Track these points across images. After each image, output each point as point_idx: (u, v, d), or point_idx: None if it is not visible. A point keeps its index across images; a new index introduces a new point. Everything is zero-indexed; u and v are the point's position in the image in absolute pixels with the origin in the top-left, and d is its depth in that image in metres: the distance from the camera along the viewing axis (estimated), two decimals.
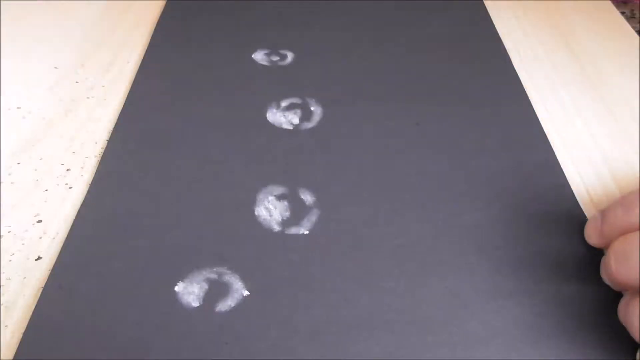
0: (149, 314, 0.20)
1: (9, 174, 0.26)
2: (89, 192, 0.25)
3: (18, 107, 0.30)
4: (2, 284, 0.21)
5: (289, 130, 0.28)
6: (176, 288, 0.21)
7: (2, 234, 0.23)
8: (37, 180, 0.26)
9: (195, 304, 0.20)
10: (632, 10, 0.41)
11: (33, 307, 0.20)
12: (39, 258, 0.22)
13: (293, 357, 0.19)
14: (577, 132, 0.28)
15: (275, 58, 0.33)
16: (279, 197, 0.24)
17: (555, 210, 0.24)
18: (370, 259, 0.22)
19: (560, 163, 0.26)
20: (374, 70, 0.32)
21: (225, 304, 0.20)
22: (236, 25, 0.36)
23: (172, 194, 0.25)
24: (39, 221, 0.24)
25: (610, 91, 0.31)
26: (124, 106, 0.29)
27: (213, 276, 0.21)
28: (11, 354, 0.19)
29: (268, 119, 0.29)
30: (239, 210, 0.24)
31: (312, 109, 0.29)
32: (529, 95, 0.30)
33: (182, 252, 0.22)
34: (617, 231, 0.19)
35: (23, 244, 0.23)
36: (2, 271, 0.22)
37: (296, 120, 0.28)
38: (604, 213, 0.21)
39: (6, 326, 0.20)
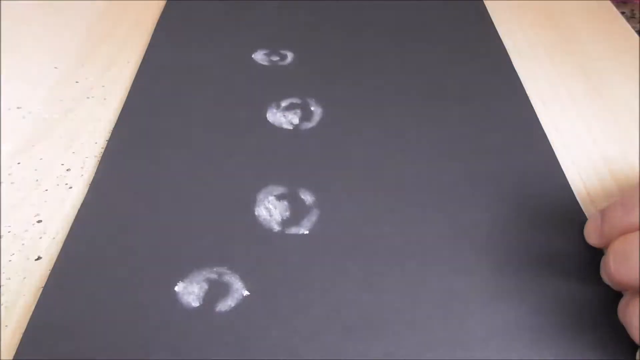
0: (149, 314, 0.20)
1: (9, 174, 0.26)
2: (89, 192, 0.25)
3: (18, 107, 0.30)
4: (2, 284, 0.21)
5: (289, 130, 0.28)
6: (176, 288, 0.21)
7: (2, 234, 0.23)
8: (37, 180, 0.26)
9: (195, 304, 0.20)
10: (632, 10, 0.41)
11: (33, 307, 0.20)
12: (39, 258, 0.22)
13: (293, 357, 0.19)
14: (577, 132, 0.28)
15: (275, 58, 0.33)
16: (279, 197, 0.24)
17: (555, 210, 0.24)
18: (370, 259, 0.22)
19: (560, 163, 0.26)
20: (374, 70, 0.32)
21: (225, 304, 0.20)
22: (236, 25, 0.36)
23: (172, 194, 0.25)
24: (39, 221, 0.24)
25: (610, 91, 0.31)
26: (124, 106, 0.29)
27: (213, 276, 0.21)
28: (11, 354, 0.19)
29: (268, 119, 0.29)
30: (239, 210, 0.24)
31: (312, 109, 0.29)
32: (528, 94, 0.30)
33: (182, 252, 0.22)
34: (617, 231, 0.19)
35: (23, 244, 0.23)
36: (2, 271, 0.22)
37: (296, 120, 0.28)
38: (604, 213, 0.21)
39: (6, 326, 0.20)
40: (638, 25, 0.38)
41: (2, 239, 0.23)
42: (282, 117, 0.29)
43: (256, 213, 0.24)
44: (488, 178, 0.25)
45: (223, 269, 0.22)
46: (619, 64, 0.33)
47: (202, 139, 0.27)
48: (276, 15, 0.37)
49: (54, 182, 0.26)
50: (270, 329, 0.20)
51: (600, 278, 0.20)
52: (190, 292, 0.21)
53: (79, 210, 0.24)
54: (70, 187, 0.25)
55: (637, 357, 0.18)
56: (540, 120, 0.28)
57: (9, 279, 0.22)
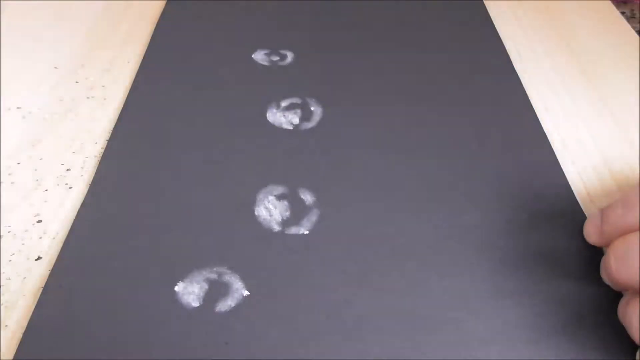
0: (149, 314, 0.20)
1: (9, 174, 0.26)
2: (89, 192, 0.25)
3: (18, 107, 0.30)
4: (2, 284, 0.21)
5: (289, 130, 0.28)
6: (176, 288, 0.21)
7: (2, 234, 0.23)
8: (37, 180, 0.26)
9: (195, 304, 0.20)
10: (632, 10, 0.41)
11: (33, 307, 0.20)
12: (39, 258, 0.22)
13: (293, 357, 0.19)
14: (577, 132, 0.28)
15: (275, 58, 0.33)
16: (279, 197, 0.24)
17: (556, 210, 0.24)
18: (370, 259, 0.22)
19: (560, 163, 0.26)
20: (374, 70, 0.32)
21: (225, 304, 0.20)
22: (236, 25, 0.36)
23: (172, 193, 0.25)
24: (39, 221, 0.24)
25: (610, 91, 0.31)
26: (124, 106, 0.29)
27: (213, 276, 0.21)
28: (11, 354, 0.19)
29: (268, 119, 0.29)
30: (239, 210, 0.24)
31: (312, 109, 0.29)
32: (529, 95, 0.30)
33: (182, 252, 0.22)
34: (617, 231, 0.19)
35: (23, 244, 0.23)
36: (2, 271, 0.22)
37: (296, 120, 0.28)
38: (604, 212, 0.21)
39: (6, 326, 0.20)
40: (638, 25, 0.38)
41: (2, 239, 0.23)
42: (282, 117, 0.29)
43: (256, 213, 0.24)
44: (488, 178, 0.25)
45: (223, 269, 0.22)
46: (619, 64, 0.33)
47: (202, 139, 0.27)
48: (276, 15, 0.37)
49: (54, 182, 0.26)
50: (270, 329, 0.20)
51: (600, 278, 0.20)
52: (190, 292, 0.21)
53: (79, 210, 0.24)
54: (70, 187, 0.25)
55: (637, 357, 0.18)
56: (540, 120, 0.28)
57: (9, 279, 0.22)
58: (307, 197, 0.24)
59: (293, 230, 0.23)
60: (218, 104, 0.29)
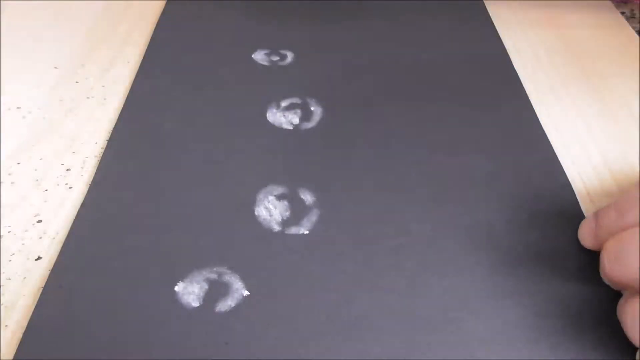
0: (149, 314, 0.20)
1: (9, 174, 0.26)
2: (89, 192, 0.25)
3: (18, 107, 0.30)
4: (2, 284, 0.21)
5: (289, 130, 0.28)
6: (176, 288, 0.21)
7: (2, 234, 0.23)
8: (37, 180, 0.26)
9: (195, 304, 0.20)
10: (632, 10, 0.41)
11: (33, 307, 0.20)
12: (39, 258, 0.22)
13: (293, 357, 0.19)
14: (577, 132, 0.28)
15: (275, 58, 0.33)
16: (279, 197, 0.24)
17: (556, 210, 0.24)
18: (370, 259, 0.22)
19: (561, 163, 0.26)
20: (374, 70, 0.32)
21: (225, 304, 0.20)
22: (236, 25, 0.36)
23: (172, 193, 0.25)
24: (39, 221, 0.24)
25: (610, 91, 0.31)
26: (124, 106, 0.29)
27: (213, 276, 0.21)
28: (11, 354, 0.19)
29: (268, 119, 0.29)
30: (239, 210, 0.24)
31: (312, 109, 0.29)
32: (529, 95, 0.30)
33: (182, 252, 0.22)
34: (611, 235, 0.19)
35: (23, 244, 0.23)
36: (2, 271, 0.22)
37: (296, 120, 0.28)
38: (598, 216, 0.21)
39: (6, 326, 0.20)
40: (638, 25, 0.38)
41: (2, 239, 0.23)
42: (282, 117, 0.29)
43: (256, 213, 0.24)
44: (488, 178, 0.25)
45: (223, 269, 0.22)
46: (619, 64, 0.33)
47: (201, 139, 0.27)
48: (276, 15, 0.37)
49: (54, 182, 0.26)
50: (270, 329, 0.20)
51: (600, 278, 0.20)
52: (190, 292, 0.21)
53: (79, 210, 0.24)
54: (70, 187, 0.25)
55: (637, 357, 0.18)
56: (540, 120, 0.28)
57: (9, 279, 0.22)
58: (307, 197, 0.24)
59: (293, 230, 0.23)
60: (218, 104, 0.29)
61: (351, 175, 0.25)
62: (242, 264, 0.22)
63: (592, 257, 0.21)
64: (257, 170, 0.26)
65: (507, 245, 0.22)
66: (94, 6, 0.38)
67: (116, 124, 0.28)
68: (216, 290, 0.21)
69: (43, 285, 0.21)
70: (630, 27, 0.36)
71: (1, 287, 0.21)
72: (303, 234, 0.23)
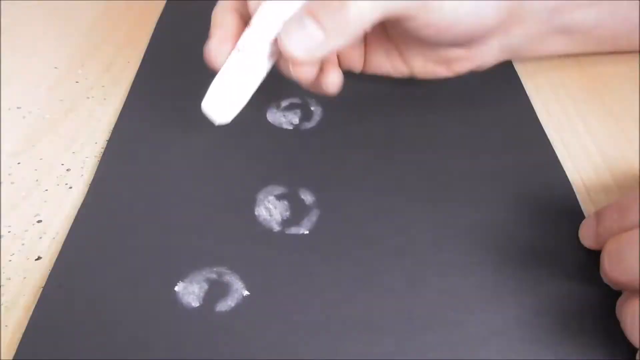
0: (149, 314, 0.20)
1: (9, 174, 0.26)
2: (89, 192, 0.25)
3: (18, 107, 0.30)
4: (2, 284, 0.21)
5: (289, 130, 0.28)
6: (176, 288, 0.21)
7: (2, 234, 0.23)
8: (37, 180, 0.26)
9: (195, 304, 0.20)
10: None
11: (33, 307, 0.20)
12: (39, 258, 0.22)
13: (293, 357, 0.19)
14: (577, 132, 0.28)
15: None
16: (279, 197, 0.24)
17: (556, 210, 0.24)
18: (370, 259, 0.22)
19: (561, 163, 0.26)
20: None
21: (225, 304, 0.20)
22: None
23: (172, 193, 0.25)
24: (39, 221, 0.24)
25: (610, 91, 0.31)
26: (124, 106, 0.29)
27: (213, 276, 0.21)
28: (11, 354, 0.19)
29: (268, 119, 0.29)
30: (239, 210, 0.24)
31: (312, 109, 0.29)
32: (529, 95, 0.30)
33: (182, 252, 0.22)
34: (612, 234, 0.19)
35: (23, 244, 0.23)
36: (2, 271, 0.22)
37: (296, 120, 0.28)
38: (599, 216, 0.21)
39: (6, 326, 0.20)
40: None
41: (2, 239, 0.23)
42: (282, 117, 0.29)
43: (256, 213, 0.24)
44: (489, 178, 0.25)
45: (223, 269, 0.22)
46: (619, 64, 0.33)
47: (201, 139, 0.27)
48: None
49: (54, 182, 0.26)
50: (270, 329, 0.20)
51: (600, 277, 0.20)
52: (190, 292, 0.21)
53: (79, 210, 0.24)
54: (70, 187, 0.25)
55: (638, 357, 0.18)
56: (540, 120, 0.28)
57: (9, 279, 0.22)
58: (307, 197, 0.24)
59: (293, 230, 0.23)
60: None
61: (351, 175, 0.25)
62: (242, 264, 0.22)
63: (592, 257, 0.21)
64: (257, 170, 0.26)
65: (507, 245, 0.22)
66: (94, 6, 0.38)
67: (116, 124, 0.28)
68: (216, 290, 0.21)
69: (43, 285, 0.21)
70: None
71: (1, 287, 0.21)
72: (303, 234, 0.23)
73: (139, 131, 0.28)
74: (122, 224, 0.23)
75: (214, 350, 0.19)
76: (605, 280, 0.20)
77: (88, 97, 0.31)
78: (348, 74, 0.31)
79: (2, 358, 0.19)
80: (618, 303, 0.19)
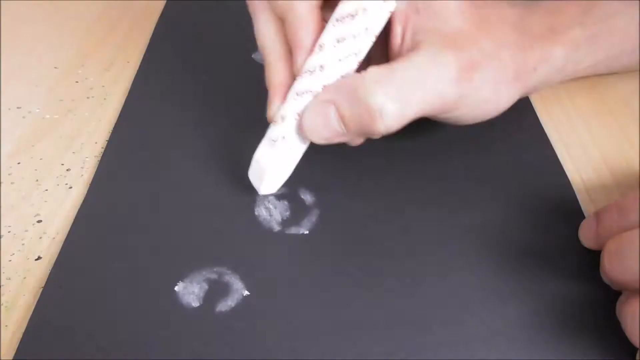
0: (149, 314, 0.20)
1: (9, 174, 0.26)
2: (89, 192, 0.25)
3: (18, 107, 0.30)
4: (2, 284, 0.21)
5: None
6: (176, 288, 0.21)
7: (2, 234, 0.23)
8: (37, 180, 0.26)
9: (195, 304, 0.20)
10: None
11: (33, 307, 0.20)
12: (39, 258, 0.22)
13: (293, 357, 0.19)
14: (577, 132, 0.28)
15: None
16: (279, 197, 0.24)
17: (556, 210, 0.24)
18: (370, 259, 0.22)
19: (561, 163, 0.26)
20: None
21: (225, 304, 0.20)
22: (236, 25, 0.36)
23: (172, 193, 0.25)
24: (39, 221, 0.24)
25: (610, 91, 0.31)
26: (124, 106, 0.29)
27: (213, 276, 0.21)
28: (11, 354, 0.19)
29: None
30: (239, 210, 0.24)
31: None
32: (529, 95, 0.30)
33: (182, 252, 0.22)
34: (613, 234, 0.19)
35: (23, 244, 0.23)
36: (2, 271, 0.22)
37: None
38: (599, 216, 0.21)
39: (6, 326, 0.20)
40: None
41: (2, 239, 0.23)
42: None
43: (256, 213, 0.24)
44: (489, 178, 0.25)
45: (223, 269, 0.22)
46: None
47: (201, 139, 0.27)
48: None
49: (54, 182, 0.26)
50: (270, 329, 0.20)
51: (600, 278, 0.20)
52: (190, 292, 0.21)
53: (79, 210, 0.24)
54: (70, 187, 0.25)
55: (638, 357, 0.18)
56: (540, 120, 0.28)
57: (9, 279, 0.22)
58: (307, 197, 0.24)
59: (293, 230, 0.23)
60: (218, 103, 0.29)
61: (351, 175, 0.25)
62: (242, 264, 0.22)
63: (592, 257, 0.21)
64: None
65: (507, 245, 0.22)
66: (94, 6, 0.38)
67: (116, 124, 0.28)
68: (216, 290, 0.21)
69: (43, 285, 0.21)
70: None
71: (1, 287, 0.21)
72: (303, 234, 0.23)
73: (139, 131, 0.28)
74: (122, 224, 0.23)
75: (214, 350, 0.19)
76: (605, 280, 0.20)
77: (88, 97, 0.31)
78: None
79: (2, 358, 0.19)
80: (618, 303, 0.19)
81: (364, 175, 0.25)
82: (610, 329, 0.19)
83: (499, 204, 0.24)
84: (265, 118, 0.27)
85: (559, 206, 0.24)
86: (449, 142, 0.27)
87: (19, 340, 0.19)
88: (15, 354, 0.19)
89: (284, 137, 0.22)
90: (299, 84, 0.21)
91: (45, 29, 0.36)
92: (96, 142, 0.28)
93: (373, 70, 0.20)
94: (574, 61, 0.25)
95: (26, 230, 0.23)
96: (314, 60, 0.21)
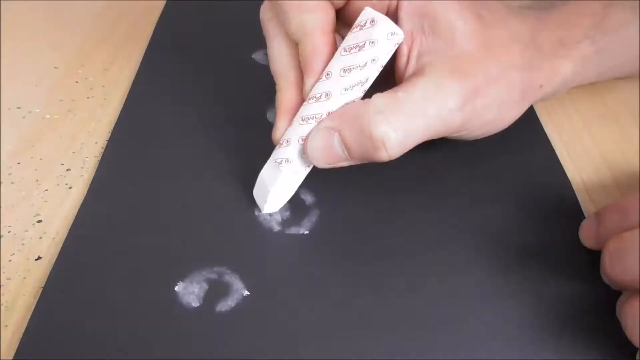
0: (149, 314, 0.20)
1: (9, 174, 0.26)
2: (89, 192, 0.25)
3: (18, 107, 0.30)
4: (2, 284, 0.21)
5: None
6: (176, 288, 0.21)
7: (2, 234, 0.23)
8: (37, 180, 0.26)
9: (195, 304, 0.20)
10: None
11: (33, 307, 0.20)
12: (39, 258, 0.22)
13: (293, 357, 0.19)
14: (577, 132, 0.28)
15: None
16: None
17: (556, 210, 0.24)
18: (370, 259, 0.22)
19: (561, 163, 0.26)
20: None
21: (225, 304, 0.20)
22: (236, 25, 0.36)
23: (172, 193, 0.25)
24: (39, 221, 0.24)
25: (610, 91, 0.31)
26: (124, 106, 0.29)
27: (213, 276, 0.21)
28: (11, 354, 0.19)
29: (268, 119, 0.28)
30: (239, 210, 0.24)
31: None
32: None
33: (182, 252, 0.22)
34: (612, 235, 0.19)
35: (23, 244, 0.23)
36: (2, 271, 0.22)
37: None
38: (599, 216, 0.21)
39: (6, 326, 0.20)
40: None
41: (2, 239, 0.23)
42: None
43: (256, 213, 0.24)
44: (489, 178, 0.25)
45: (223, 269, 0.22)
46: None
47: (201, 139, 0.27)
48: None
49: (54, 182, 0.26)
50: (271, 329, 0.20)
51: (600, 278, 0.20)
52: (190, 292, 0.21)
53: (79, 210, 0.24)
54: (70, 187, 0.25)
55: (638, 357, 0.18)
56: (540, 120, 0.28)
57: (9, 279, 0.22)
58: (307, 197, 0.24)
59: (293, 230, 0.23)
60: (218, 103, 0.29)
61: (351, 175, 0.25)
62: (242, 264, 0.22)
63: (592, 257, 0.21)
64: (258, 170, 0.26)
65: (507, 245, 0.22)
66: (94, 6, 0.38)
67: (116, 124, 0.28)
68: (216, 290, 0.21)
69: (43, 285, 0.21)
70: None
71: (1, 287, 0.21)
72: (303, 234, 0.23)
73: (139, 131, 0.28)
74: (122, 224, 0.23)
75: (214, 350, 0.19)
76: (606, 280, 0.20)
77: (88, 97, 0.31)
78: None
79: (2, 358, 0.19)
80: (618, 303, 0.19)
81: (364, 176, 0.25)
82: (610, 329, 0.19)
83: (499, 204, 0.24)
84: (265, 118, 0.27)
85: (559, 206, 0.24)
86: (449, 142, 0.27)
87: (19, 340, 0.19)
88: (15, 354, 0.19)
89: (287, 160, 0.22)
90: (305, 110, 0.22)
91: (45, 29, 0.36)
92: (96, 142, 0.28)
93: (377, 99, 0.21)
94: (581, 75, 0.25)
95: (26, 230, 0.23)
96: (320, 88, 0.21)
